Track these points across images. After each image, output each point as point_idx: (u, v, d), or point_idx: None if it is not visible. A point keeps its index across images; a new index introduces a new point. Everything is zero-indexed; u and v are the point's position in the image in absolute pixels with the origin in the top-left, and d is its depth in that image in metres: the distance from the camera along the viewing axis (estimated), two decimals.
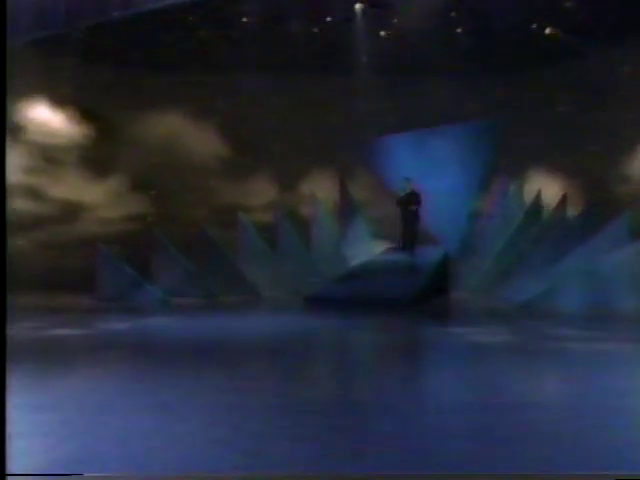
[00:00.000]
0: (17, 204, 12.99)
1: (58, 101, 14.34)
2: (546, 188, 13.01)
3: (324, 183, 14.26)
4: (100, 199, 14.57)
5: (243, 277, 12.88)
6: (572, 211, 11.48)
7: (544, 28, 12.94)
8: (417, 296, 10.64)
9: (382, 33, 13.27)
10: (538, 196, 12.53)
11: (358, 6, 12.88)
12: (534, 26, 13.03)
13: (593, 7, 12.25)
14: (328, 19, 13.15)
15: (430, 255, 12.20)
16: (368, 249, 13.34)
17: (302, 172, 14.55)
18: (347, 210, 13.93)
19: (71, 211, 14.41)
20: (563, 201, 11.89)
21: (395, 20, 13.14)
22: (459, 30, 13.20)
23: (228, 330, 8.52)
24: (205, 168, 14.49)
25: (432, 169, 12.86)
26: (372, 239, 13.63)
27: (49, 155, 14.29)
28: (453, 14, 13.03)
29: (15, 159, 13.10)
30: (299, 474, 3.05)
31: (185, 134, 14.48)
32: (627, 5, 12.05)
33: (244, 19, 13.07)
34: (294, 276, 13.14)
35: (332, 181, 14.27)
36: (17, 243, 13.08)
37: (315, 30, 13.32)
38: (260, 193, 14.41)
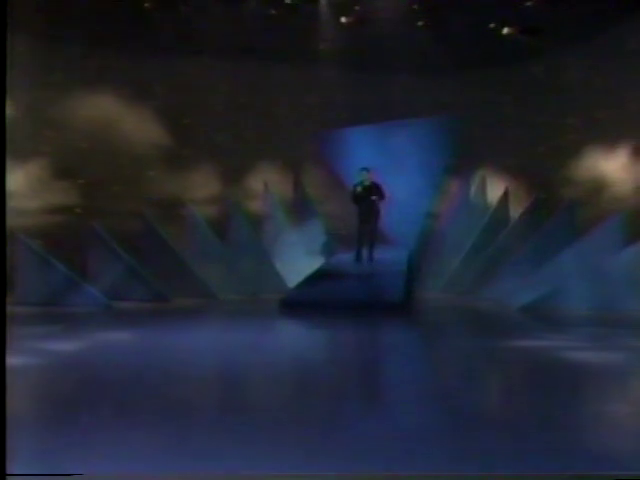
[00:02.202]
0: None
1: None
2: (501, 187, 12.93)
3: (274, 177, 13.38)
4: (17, 187, 12.79)
5: (196, 277, 11.78)
6: (544, 211, 11.35)
7: (502, 27, 12.79)
8: (406, 298, 10.01)
9: (343, 20, 12.57)
10: (505, 195, 12.38)
11: None
12: (492, 25, 12.86)
13: (551, 8, 12.24)
14: (288, 1, 12.29)
15: (397, 255, 11.68)
16: (325, 248, 12.69)
17: (251, 164, 13.53)
18: (301, 205, 13.17)
19: None
20: (535, 201, 11.76)
21: (357, 8, 12.52)
22: (420, 23, 12.77)
23: (212, 351, 6.66)
24: (142, 157, 13.12)
25: (389, 164, 12.31)
26: (328, 237, 12.97)
27: None
28: (415, 6, 12.60)
29: None
30: (299, 474, 2.96)
31: (120, 118, 13.04)
32: (583, 9, 12.14)
33: None
34: (251, 276, 12.19)
35: (283, 174, 13.44)
36: None
37: (272, 12, 12.40)
38: (203, 186, 13.25)
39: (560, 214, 11.00)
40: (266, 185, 13.09)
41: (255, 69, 13.24)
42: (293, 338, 8.40)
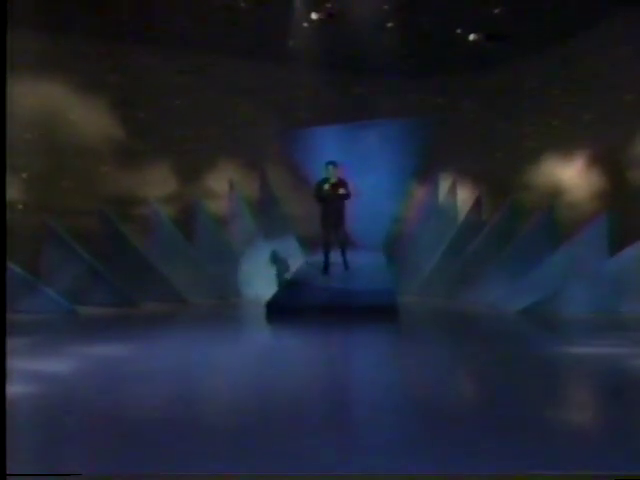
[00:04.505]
0: None
1: None
2: (470, 190, 13.03)
3: (239, 176, 12.78)
4: None
5: (163, 279, 11.01)
6: (520, 214, 11.48)
7: (468, 33, 12.91)
8: (394, 301, 9.73)
9: (313, 16, 12.20)
10: (478, 198, 12.44)
11: None
12: (459, 30, 12.95)
13: (517, 16, 12.48)
14: None
15: (371, 258, 11.44)
16: (292, 249, 12.27)
17: (214, 162, 12.81)
18: (266, 206, 12.66)
19: None
20: (510, 204, 11.88)
21: (328, 5, 12.20)
22: (389, 25, 12.64)
23: (228, 374, 5.76)
24: (93, 151, 12.09)
25: (356, 165, 12.03)
26: (294, 239, 12.54)
27: None
28: (386, 7, 12.46)
29: None
30: (299, 474, 2.99)
31: (69, 108, 11.95)
32: (546, 18, 12.49)
33: None
34: (220, 279, 11.56)
35: (248, 174, 12.87)
36: None
37: (242, 5, 11.82)
38: (161, 184, 12.39)
39: (540, 217, 11.16)
40: (231, 184, 12.48)
41: (219, 62, 12.58)
42: (283, 348, 7.62)
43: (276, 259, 12.10)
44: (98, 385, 5.21)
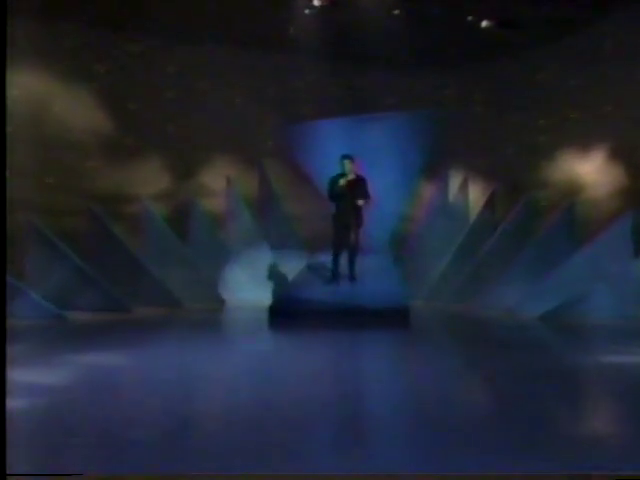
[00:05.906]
0: None
1: None
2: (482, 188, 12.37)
3: (236, 172, 12.10)
4: None
5: (157, 282, 10.35)
6: (535, 214, 10.83)
7: (480, 20, 12.24)
8: (406, 307, 9.08)
9: (315, 2, 11.52)
10: (492, 197, 11.79)
11: None
12: (470, 17, 12.27)
13: (532, 2, 11.84)
14: None
15: (377, 260, 10.76)
16: (293, 250, 11.58)
17: (208, 158, 12.10)
18: (266, 204, 12.00)
19: None
20: (524, 203, 11.23)
21: None
22: (396, 12, 11.96)
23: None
24: (81, 145, 11.36)
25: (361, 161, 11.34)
26: (294, 239, 11.86)
27: None
28: None
29: None
30: (299, 474, 2.96)
31: (54, 100, 11.21)
32: (562, 6, 11.85)
33: None
34: (216, 282, 10.91)
35: (245, 170, 12.18)
36: None
37: None
38: (154, 181, 11.68)
39: (558, 216, 10.53)
40: (229, 181, 11.81)
41: (215, 52, 11.88)
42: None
43: (274, 272, 11.40)
44: (94, 391, 4.93)
